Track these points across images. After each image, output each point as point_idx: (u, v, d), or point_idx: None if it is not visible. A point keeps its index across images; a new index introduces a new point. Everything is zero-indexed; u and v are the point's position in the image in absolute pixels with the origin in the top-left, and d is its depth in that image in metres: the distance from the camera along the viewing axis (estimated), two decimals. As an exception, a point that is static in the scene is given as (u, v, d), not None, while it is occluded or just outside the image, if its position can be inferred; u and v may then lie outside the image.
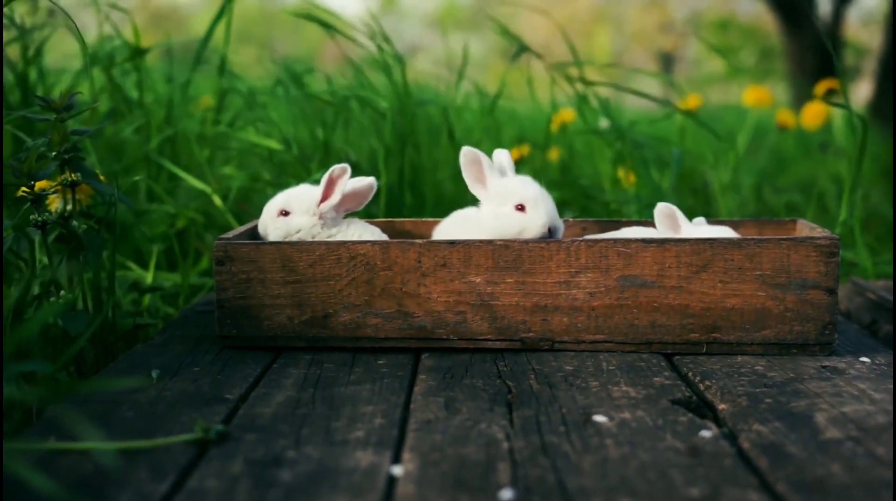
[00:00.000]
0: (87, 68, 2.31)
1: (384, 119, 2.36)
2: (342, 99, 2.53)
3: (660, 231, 1.58)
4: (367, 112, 2.45)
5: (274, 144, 2.41)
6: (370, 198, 1.69)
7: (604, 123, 2.59)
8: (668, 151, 2.57)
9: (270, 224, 1.65)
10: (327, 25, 2.42)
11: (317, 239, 1.61)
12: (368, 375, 1.39)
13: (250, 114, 2.54)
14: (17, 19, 2.32)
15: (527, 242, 1.49)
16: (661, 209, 1.57)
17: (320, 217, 1.63)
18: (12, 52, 2.37)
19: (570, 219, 1.85)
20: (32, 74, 2.31)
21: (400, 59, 2.44)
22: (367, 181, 1.68)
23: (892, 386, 1.30)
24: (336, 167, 1.61)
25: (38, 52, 2.34)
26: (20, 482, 0.93)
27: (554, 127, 2.91)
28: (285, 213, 1.63)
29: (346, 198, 1.64)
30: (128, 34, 2.55)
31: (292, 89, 2.63)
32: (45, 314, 1.02)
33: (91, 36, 2.54)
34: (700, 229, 1.60)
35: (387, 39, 2.46)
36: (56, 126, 1.54)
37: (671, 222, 1.58)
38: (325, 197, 1.62)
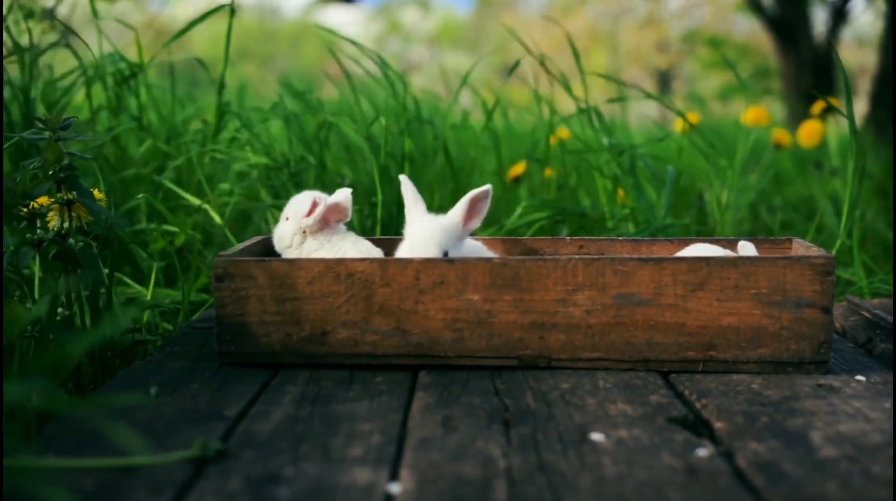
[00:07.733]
0: (88, 84, 2.32)
1: (380, 138, 2.38)
2: (337, 117, 2.54)
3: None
4: (362, 131, 2.46)
5: (268, 161, 2.42)
6: (350, 209, 1.69)
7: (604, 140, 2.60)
8: (665, 170, 2.58)
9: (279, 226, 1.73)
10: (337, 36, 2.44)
11: (304, 249, 1.66)
12: (366, 392, 1.40)
13: (247, 132, 2.55)
14: (24, 36, 2.34)
15: (524, 260, 1.50)
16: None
17: (304, 231, 1.67)
18: (13, 68, 2.38)
19: (567, 237, 1.86)
20: (33, 91, 2.32)
21: (402, 80, 2.46)
22: (343, 194, 1.69)
23: (887, 405, 1.31)
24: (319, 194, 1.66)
25: (38, 67, 2.35)
26: (22, 498, 0.93)
27: (553, 141, 2.92)
28: (286, 218, 1.69)
29: (329, 211, 1.67)
30: (131, 51, 2.57)
31: (290, 103, 2.64)
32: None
33: (93, 53, 2.56)
34: None
35: (386, 64, 2.48)
36: (51, 145, 1.54)
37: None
38: (309, 212, 1.67)
